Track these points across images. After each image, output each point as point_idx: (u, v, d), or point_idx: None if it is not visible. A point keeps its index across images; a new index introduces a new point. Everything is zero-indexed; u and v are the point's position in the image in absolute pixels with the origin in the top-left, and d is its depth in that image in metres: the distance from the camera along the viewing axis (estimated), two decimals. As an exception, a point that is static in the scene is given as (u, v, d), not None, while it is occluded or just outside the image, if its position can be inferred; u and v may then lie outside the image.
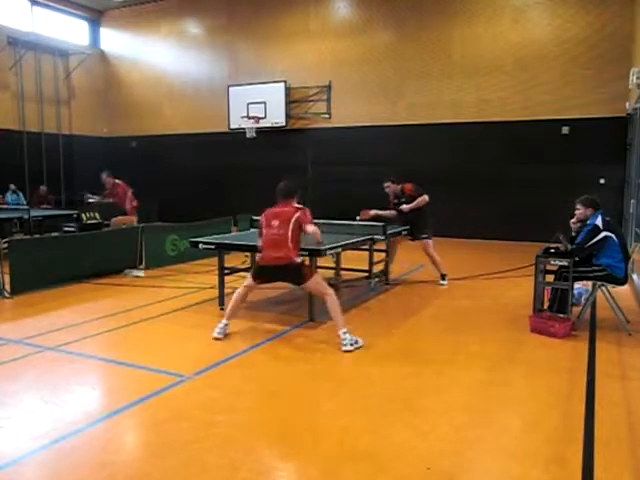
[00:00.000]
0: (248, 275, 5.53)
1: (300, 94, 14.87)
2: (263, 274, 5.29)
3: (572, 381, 4.22)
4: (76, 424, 3.44)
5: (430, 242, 7.61)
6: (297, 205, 5.28)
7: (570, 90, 11.96)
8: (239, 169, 15.65)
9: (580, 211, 5.74)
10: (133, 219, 9.95)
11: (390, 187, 7.66)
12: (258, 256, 5.35)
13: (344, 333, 4.92)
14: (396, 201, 7.70)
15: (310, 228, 5.12)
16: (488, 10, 12.71)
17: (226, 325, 5.27)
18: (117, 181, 9.97)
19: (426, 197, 7.52)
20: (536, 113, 12.27)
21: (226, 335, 5.24)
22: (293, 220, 5.08)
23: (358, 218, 7.60)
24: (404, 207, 7.48)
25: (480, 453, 3.14)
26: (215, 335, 5.20)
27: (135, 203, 10.05)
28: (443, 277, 7.77)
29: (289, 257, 5.05)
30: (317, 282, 5.21)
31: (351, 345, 4.88)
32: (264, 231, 5.20)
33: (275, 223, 5.11)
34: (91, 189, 10.66)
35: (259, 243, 5.32)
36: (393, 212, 7.71)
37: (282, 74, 14.84)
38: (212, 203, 15.39)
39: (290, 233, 5.05)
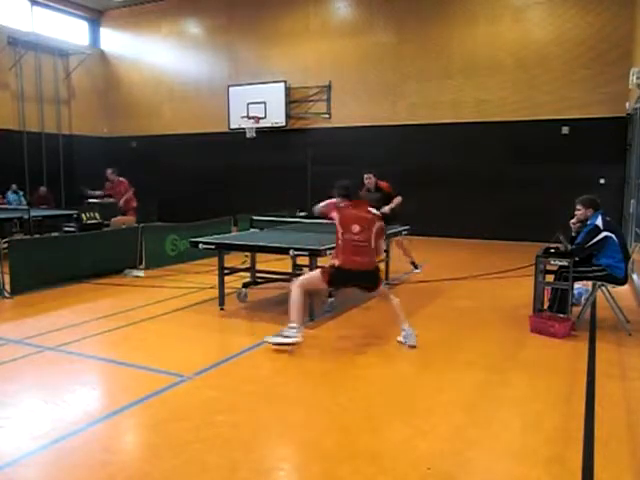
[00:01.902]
0: (313, 274, 5.18)
1: (300, 94, 14.87)
2: (343, 278, 5.02)
3: (572, 381, 4.22)
4: (76, 424, 3.44)
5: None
6: (373, 211, 5.15)
7: (570, 90, 11.96)
8: (239, 169, 15.67)
9: (580, 211, 5.74)
10: (132, 219, 9.97)
11: (370, 180, 8.04)
12: (338, 261, 4.97)
13: (408, 327, 5.02)
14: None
15: (383, 246, 5.41)
16: (488, 10, 12.71)
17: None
18: (121, 179, 10.01)
19: (400, 198, 7.99)
20: (536, 113, 12.27)
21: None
22: (375, 230, 5.02)
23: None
24: (386, 209, 7.72)
25: (480, 453, 3.13)
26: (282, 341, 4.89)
27: (134, 204, 10.07)
28: (415, 266, 8.59)
29: (374, 263, 5.10)
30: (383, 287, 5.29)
31: (414, 340, 4.96)
32: (342, 233, 4.98)
33: (356, 228, 4.94)
34: (91, 187, 10.65)
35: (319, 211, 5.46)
36: None
37: (282, 74, 14.83)
38: (212, 203, 15.39)
39: (373, 241, 5.00)
